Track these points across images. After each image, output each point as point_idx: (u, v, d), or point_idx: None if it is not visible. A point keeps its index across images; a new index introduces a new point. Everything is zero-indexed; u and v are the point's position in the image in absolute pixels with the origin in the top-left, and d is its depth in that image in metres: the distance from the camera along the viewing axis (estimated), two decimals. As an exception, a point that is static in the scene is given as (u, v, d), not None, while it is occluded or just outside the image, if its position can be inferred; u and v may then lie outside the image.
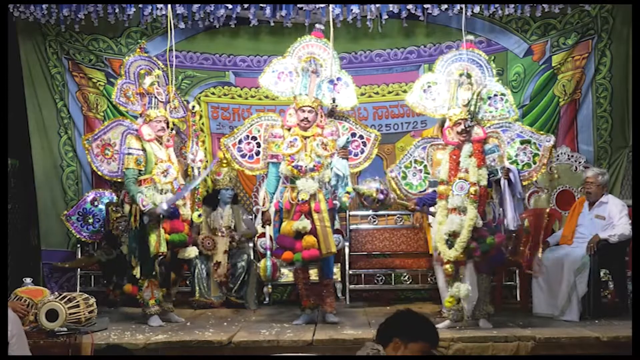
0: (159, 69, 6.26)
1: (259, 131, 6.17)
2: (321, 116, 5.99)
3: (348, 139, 6.03)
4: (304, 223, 5.71)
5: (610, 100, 7.75)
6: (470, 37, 6.05)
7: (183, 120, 6.52)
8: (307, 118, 5.85)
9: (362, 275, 7.51)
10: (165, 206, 5.73)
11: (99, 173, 6.45)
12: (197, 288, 7.01)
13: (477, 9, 7.48)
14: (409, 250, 7.72)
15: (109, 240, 7.21)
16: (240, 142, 6.18)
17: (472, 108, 5.61)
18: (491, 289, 5.79)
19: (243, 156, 6.17)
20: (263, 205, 5.97)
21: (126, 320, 6.13)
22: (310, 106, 5.86)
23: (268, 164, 6.03)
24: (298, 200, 5.75)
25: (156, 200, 5.77)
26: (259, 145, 6.16)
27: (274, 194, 5.94)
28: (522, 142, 5.94)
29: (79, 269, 7.48)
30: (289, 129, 5.93)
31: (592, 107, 7.82)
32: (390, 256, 7.67)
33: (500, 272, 6.54)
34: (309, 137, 5.86)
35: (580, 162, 7.62)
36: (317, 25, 6.16)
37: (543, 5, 7.38)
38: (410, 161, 6.12)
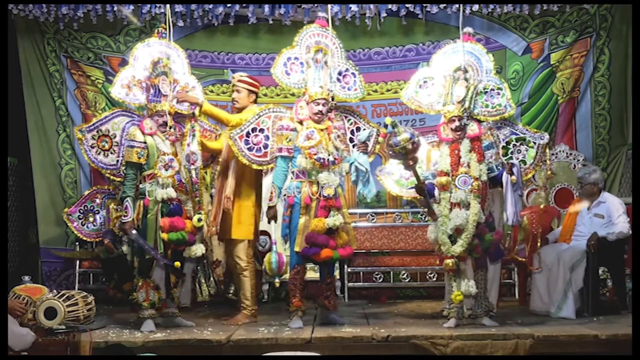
0: (176, 54, 5.99)
1: (266, 123, 5.87)
2: (329, 109, 5.84)
3: (370, 133, 5.95)
4: (337, 219, 5.58)
5: (608, 98, 7.78)
6: (469, 29, 5.97)
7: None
8: (321, 111, 5.69)
9: (361, 273, 7.52)
10: (134, 235, 5.55)
11: (93, 165, 6.20)
12: (203, 287, 6.94)
13: (475, 7, 7.52)
14: (408, 248, 7.73)
15: (112, 238, 7.14)
16: (247, 134, 5.82)
17: (466, 104, 5.60)
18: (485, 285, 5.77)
19: (250, 149, 5.84)
20: (270, 200, 5.72)
21: (125, 318, 6.11)
22: (324, 98, 5.70)
23: (276, 158, 5.78)
24: (323, 196, 5.61)
25: (157, 196, 5.60)
26: (267, 138, 5.84)
27: (281, 188, 5.75)
28: (517, 140, 5.97)
29: (77, 267, 7.48)
30: (301, 122, 5.75)
31: (591, 105, 7.84)
32: (389, 254, 7.69)
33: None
34: (323, 129, 5.72)
35: (578, 160, 7.63)
36: (320, 14, 6.02)
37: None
38: None
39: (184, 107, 5.98)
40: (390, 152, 5.55)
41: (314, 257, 5.61)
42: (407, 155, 5.46)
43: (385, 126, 5.53)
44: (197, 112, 5.81)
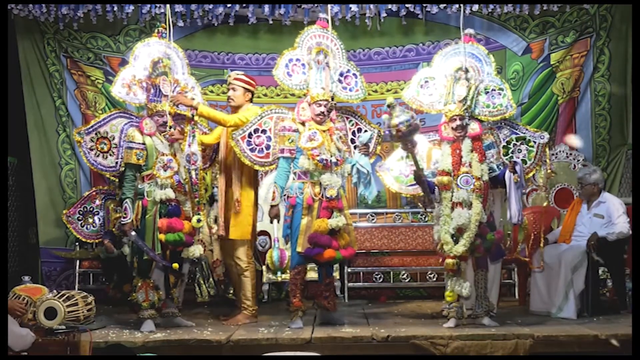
0: (176, 54, 6.00)
1: (269, 124, 5.87)
2: (330, 109, 5.81)
3: (371, 135, 5.96)
4: (340, 220, 5.60)
5: (608, 98, 7.78)
6: (470, 30, 5.99)
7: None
8: (323, 112, 5.71)
9: (361, 274, 7.52)
10: (133, 237, 5.56)
11: (93, 168, 6.17)
12: (203, 288, 6.94)
13: (475, 7, 7.52)
14: (408, 248, 7.74)
15: (112, 239, 7.12)
16: (250, 135, 5.83)
17: (467, 104, 5.62)
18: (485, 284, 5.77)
19: (252, 150, 5.85)
20: (273, 200, 5.75)
21: (125, 318, 6.11)
22: (326, 100, 5.71)
23: (278, 158, 5.80)
24: (325, 197, 5.62)
25: (156, 196, 5.60)
26: (269, 139, 5.85)
27: (284, 188, 5.76)
28: (517, 139, 5.98)
29: (77, 267, 7.47)
30: (303, 123, 5.76)
31: (591, 105, 7.84)
32: (389, 254, 7.69)
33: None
34: (325, 131, 5.73)
35: (578, 160, 7.62)
36: (321, 15, 6.02)
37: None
38: (402, 156, 6.03)
39: (183, 107, 5.97)
40: (386, 133, 5.57)
41: (317, 258, 5.61)
42: (399, 139, 5.47)
43: (388, 106, 5.53)
44: (194, 114, 5.81)
